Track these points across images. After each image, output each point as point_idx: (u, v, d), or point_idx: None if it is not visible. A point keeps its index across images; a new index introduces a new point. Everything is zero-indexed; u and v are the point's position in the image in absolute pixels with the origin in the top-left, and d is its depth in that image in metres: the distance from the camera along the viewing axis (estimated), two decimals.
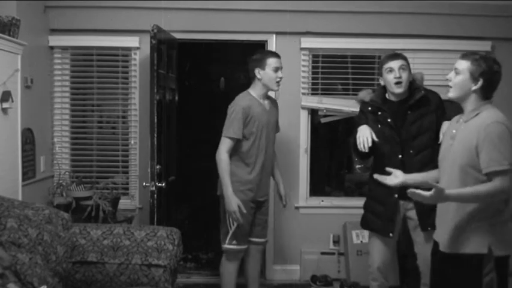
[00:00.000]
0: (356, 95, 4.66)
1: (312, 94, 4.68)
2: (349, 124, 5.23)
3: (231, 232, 3.61)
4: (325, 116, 4.75)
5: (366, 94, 3.68)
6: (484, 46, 4.50)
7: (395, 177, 2.94)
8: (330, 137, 5.81)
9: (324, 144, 5.70)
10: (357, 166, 5.27)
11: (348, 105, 4.63)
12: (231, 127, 3.55)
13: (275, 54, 3.70)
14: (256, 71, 3.62)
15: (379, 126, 3.40)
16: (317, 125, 4.88)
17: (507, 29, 4.59)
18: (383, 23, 4.57)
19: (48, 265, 2.66)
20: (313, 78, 4.68)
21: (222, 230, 3.68)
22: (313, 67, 4.67)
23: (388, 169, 2.99)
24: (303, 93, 4.64)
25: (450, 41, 4.56)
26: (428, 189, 2.43)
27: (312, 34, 4.58)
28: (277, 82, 3.64)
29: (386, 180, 2.97)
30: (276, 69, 3.61)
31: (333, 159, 5.97)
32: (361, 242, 4.52)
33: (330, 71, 4.66)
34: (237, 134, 3.55)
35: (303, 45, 4.59)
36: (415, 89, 3.40)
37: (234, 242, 3.63)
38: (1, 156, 3.20)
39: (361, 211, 4.70)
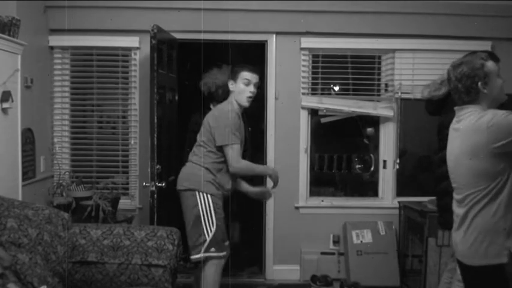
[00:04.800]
0: (356, 95, 4.69)
1: (312, 94, 4.68)
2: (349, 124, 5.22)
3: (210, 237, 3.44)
4: (325, 116, 4.75)
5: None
6: (483, 46, 4.49)
7: None
8: (329, 137, 5.79)
9: (324, 144, 5.69)
10: (357, 166, 5.27)
11: (348, 105, 4.64)
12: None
13: (250, 69, 3.52)
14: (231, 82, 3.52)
15: None
16: (316, 124, 4.87)
17: (507, 29, 4.59)
18: (383, 23, 4.57)
19: (48, 265, 2.66)
20: (313, 78, 4.68)
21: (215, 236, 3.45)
22: (313, 67, 4.67)
23: None
24: (303, 93, 4.64)
25: (450, 41, 4.57)
26: None
27: (312, 34, 4.58)
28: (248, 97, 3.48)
29: None
30: (248, 83, 3.48)
31: (333, 159, 5.95)
32: (361, 242, 4.53)
33: (330, 71, 4.66)
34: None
35: (303, 45, 4.59)
36: None
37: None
38: (1, 156, 3.20)
39: (361, 211, 4.74)
